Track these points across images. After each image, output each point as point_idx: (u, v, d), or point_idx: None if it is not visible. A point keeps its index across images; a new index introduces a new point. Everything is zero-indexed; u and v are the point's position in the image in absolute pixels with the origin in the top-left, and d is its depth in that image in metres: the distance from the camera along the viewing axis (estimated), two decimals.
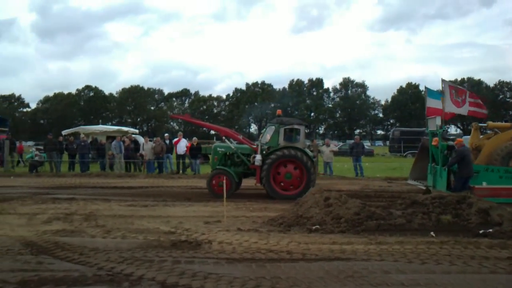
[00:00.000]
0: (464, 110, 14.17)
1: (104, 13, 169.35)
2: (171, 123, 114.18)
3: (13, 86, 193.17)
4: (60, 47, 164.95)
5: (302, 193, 13.49)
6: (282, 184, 14.32)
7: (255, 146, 15.02)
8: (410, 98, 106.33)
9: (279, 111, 16.18)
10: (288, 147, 14.44)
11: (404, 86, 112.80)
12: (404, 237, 8.44)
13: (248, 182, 16.21)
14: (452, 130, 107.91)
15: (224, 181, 11.31)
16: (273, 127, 15.01)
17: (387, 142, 65.89)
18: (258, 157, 14.44)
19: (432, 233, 8.67)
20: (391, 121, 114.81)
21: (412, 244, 7.94)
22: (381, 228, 8.89)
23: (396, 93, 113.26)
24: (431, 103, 14.41)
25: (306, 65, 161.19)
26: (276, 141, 14.71)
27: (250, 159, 14.79)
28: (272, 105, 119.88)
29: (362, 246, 7.77)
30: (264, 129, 15.77)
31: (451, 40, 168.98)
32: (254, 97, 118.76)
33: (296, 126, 15.02)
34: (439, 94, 13.98)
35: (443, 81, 13.90)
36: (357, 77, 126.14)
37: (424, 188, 14.48)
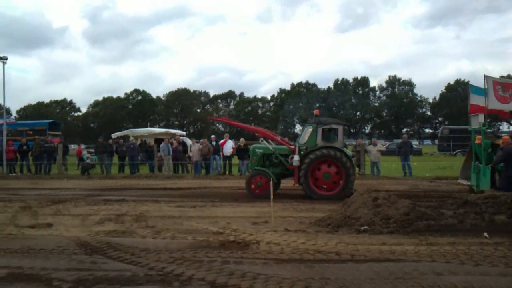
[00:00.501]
0: (511, 106, 13.61)
1: (152, 17, 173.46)
2: (217, 124, 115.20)
3: (65, 91, 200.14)
4: (110, 52, 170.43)
5: (341, 193, 13.68)
6: (322, 185, 14.20)
7: (293, 147, 14.96)
8: (459, 95, 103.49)
9: (316, 111, 16.10)
10: (326, 147, 14.32)
11: (452, 83, 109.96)
12: (456, 238, 8.20)
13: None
14: (505, 127, 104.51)
15: (271, 182, 11.33)
16: (311, 127, 14.94)
17: (436, 141, 64.28)
18: (296, 157, 14.39)
19: (485, 233, 8.40)
20: (440, 119, 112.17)
21: (465, 245, 7.72)
22: (432, 229, 8.68)
23: (444, 90, 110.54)
24: (474, 99, 13.95)
25: (352, 64, 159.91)
26: (314, 141, 14.63)
27: (288, 159, 14.74)
28: (317, 104, 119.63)
29: (412, 247, 7.62)
30: (302, 129, 15.65)
31: (503, 34, 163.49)
32: (299, 97, 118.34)
33: (334, 126, 14.83)
34: (482, 91, 13.47)
35: (486, 77, 13.40)
36: (404, 75, 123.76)
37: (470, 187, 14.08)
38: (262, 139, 15.68)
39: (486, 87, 13.31)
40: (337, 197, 13.57)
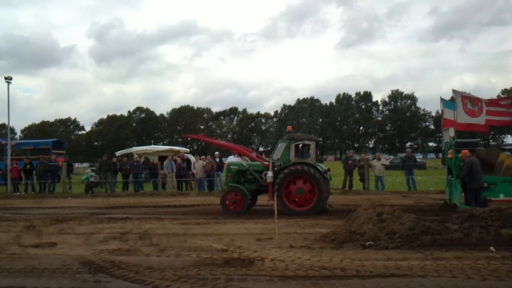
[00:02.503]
0: (481, 120, 13.64)
1: (158, 35, 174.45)
2: (221, 140, 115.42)
3: (71, 110, 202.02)
4: (115, 71, 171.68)
5: (314, 208, 13.95)
6: (294, 199, 14.27)
7: (267, 163, 15.03)
8: None
9: (289, 127, 16.23)
10: (299, 163, 14.39)
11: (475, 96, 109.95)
12: (462, 252, 8.14)
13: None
14: (509, 140, 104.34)
15: (275, 199, 11.30)
16: (284, 143, 15.00)
17: (440, 154, 64.15)
18: (270, 173, 14.43)
19: (492, 247, 8.33)
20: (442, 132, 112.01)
21: (471, 259, 7.65)
22: (437, 243, 8.62)
23: None
24: (447, 114, 13.99)
25: (356, 79, 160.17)
26: (287, 157, 14.70)
27: (262, 175, 14.79)
28: (320, 120, 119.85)
29: (418, 262, 7.56)
30: (276, 146, 15.74)
31: (507, 46, 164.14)
32: (302, 112, 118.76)
33: (306, 142, 14.93)
34: (454, 105, 13.51)
35: (454, 91, 13.47)
36: (407, 89, 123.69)
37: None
38: (237, 155, 15.83)
39: (455, 101, 13.37)
40: (310, 212, 13.87)
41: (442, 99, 14.74)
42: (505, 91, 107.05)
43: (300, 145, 14.88)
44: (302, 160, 14.57)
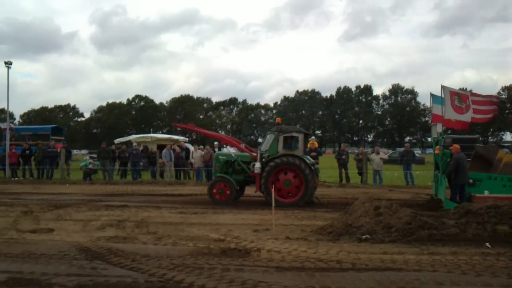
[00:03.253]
0: (467, 117, 13.65)
1: (161, 24, 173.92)
2: (220, 131, 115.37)
3: (70, 96, 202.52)
4: (117, 58, 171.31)
5: (300, 200, 14.09)
6: (280, 191, 14.31)
7: (255, 154, 15.10)
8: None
9: (278, 119, 16.43)
10: (286, 155, 14.48)
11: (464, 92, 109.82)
12: (458, 248, 8.17)
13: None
14: (508, 137, 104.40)
15: (273, 190, 11.30)
16: (273, 135, 15.12)
17: None
18: (258, 164, 14.54)
19: (487, 244, 8.37)
20: (444, 127, 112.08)
21: (466, 255, 7.69)
22: (433, 238, 8.66)
23: None
24: (436, 109, 13.96)
25: (358, 72, 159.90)
26: (275, 149, 14.82)
27: (250, 167, 14.85)
28: (320, 112, 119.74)
29: (413, 256, 7.59)
30: (264, 137, 15.83)
31: (510, 43, 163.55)
32: (302, 105, 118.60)
33: (295, 134, 15.04)
34: (442, 100, 13.48)
35: (443, 87, 13.42)
36: (408, 84, 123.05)
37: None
38: (225, 145, 15.91)
39: (443, 97, 13.33)
40: (297, 204, 14.00)
41: (432, 95, 14.71)
42: (505, 88, 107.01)
43: (289, 137, 14.96)
44: (290, 152, 14.64)
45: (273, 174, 14.34)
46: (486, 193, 12.43)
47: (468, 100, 13.50)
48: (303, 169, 14.19)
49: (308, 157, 15.61)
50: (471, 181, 12.92)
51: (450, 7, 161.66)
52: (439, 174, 13.47)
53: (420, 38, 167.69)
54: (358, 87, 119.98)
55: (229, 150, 16.01)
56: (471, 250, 8.00)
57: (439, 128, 13.36)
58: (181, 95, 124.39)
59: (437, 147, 13.77)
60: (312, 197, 14.97)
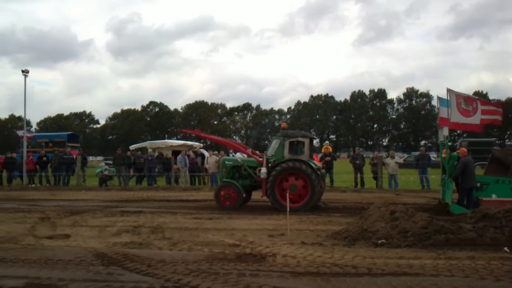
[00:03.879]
0: (476, 119, 13.49)
1: (175, 30, 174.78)
2: (234, 137, 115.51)
3: (86, 103, 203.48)
4: (132, 65, 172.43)
5: (307, 205, 14.03)
6: (289, 196, 14.25)
7: (261, 159, 15.08)
8: None
9: (283, 124, 16.52)
10: (292, 160, 14.48)
11: (472, 94, 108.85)
12: (475, 252, 8.06)
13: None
14: None
15: (287, 194, 11.28)
16: (278, 140, 15.14)
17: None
18: (264, 169, 14.55)
19: (506, 248, 8.25)
20: (458, 131, 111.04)
21: (484, 259, 7.58)
22: (450, 243, 8.56)
23: None
24: (443, 113, 13.82)
25: (373, 76, 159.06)
26: (281, 154, 14.81)
27: (257, 171, 14.87)
28: (334, 117, 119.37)
29: (430, 261, 7.51)
30: (270, 142, 15.84)
31: None
32: (316, 109, 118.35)
33: (300, 139, 15.00)
34: (448, 104, 13.34)
35: (449, 90, 13.29)
36: (424, 87, 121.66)
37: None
38: (232, 150, 15.98)
39: (449, 100, 13.21)
40: (303, 209, 13.93)
41: (439, 98, 14.59)
42: None
43: (294, 142, 14.94)
44: (296, 157, 14.64)
45: (279, 179, 14.36)
46: (493, 196, 12.31)
47: (476, 102, 13.39)
48: (309, 173, 14.17)
49: (315, 161, 15.62)
50: (478, 184, 12.79)
51: (466, 10, 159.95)
52: (446, 177, 13.36)
53: (435, 41, 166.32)
54: (372, 91, 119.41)
55: (238, 155, 16.05)
56: (489, 255, 7.88)
57: (445, 131, 13.25)
58: (196, 101, 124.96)
59: (444, 150, 13.66)
60: (319, 202, 14.94)
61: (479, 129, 14.24)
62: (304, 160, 14.46)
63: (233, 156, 16.17)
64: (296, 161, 14.41)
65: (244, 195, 15.35)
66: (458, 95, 13.37)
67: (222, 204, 14.72)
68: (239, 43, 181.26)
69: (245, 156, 16.34)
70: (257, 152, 16.72)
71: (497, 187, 12.62)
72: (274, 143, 15.24)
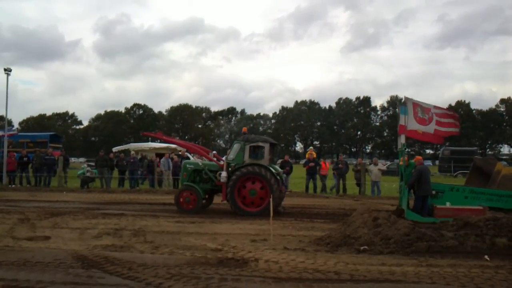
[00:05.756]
0: (430, 128, 13.68)
1: (164, 32, 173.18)
2: (218, 140, 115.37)
3: (71, 104, 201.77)
4: (119, 67, 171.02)
5: (265, 209, 13.96)
6: (245, 199, 14.50)
7: (222, 163, 15.15)
8: (461, 116, 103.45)
9: (244, 129, 16.67)
10: (252, 164, 14.60)
11: (453, 104, 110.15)
12: (456, 260, 8.14)
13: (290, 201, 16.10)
14: (506, 149, 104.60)
15: (271, 200, 11.26)
16: (239, 144, 15.25)
17: (437, 162, 64.28)
18: (224, 174, 14.65)
19: (486, 256, 8.34)
20: None
21: (465, 267, 7.65)
22: (432, 250, 8.64)
23: None
24: (402, 120, 14.01)
25: (359, 83, 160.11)
26: (241, 158, 14.95)
27: (217, 175, 14.92)
28: (319, 123, 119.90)
29: (412, 268, 7.56)
30: (231, 147, 15.95)
31: (510, 56, 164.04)
32: (300, 115, 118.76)
33: (260, 144, 15.11)
34: (406, 111, 13.52)
35: (406, 99, 13.48)
36: (408, 95, 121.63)
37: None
38: (192, 154, 16.08)
39: (406, 108, 13.38)
40: (261, 213, 14.02)
41: (399, 105, 14.73)
42: (503, 101, 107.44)
43: (255, 147, 15.03)
44: (256, 161, 14.73)
45: (239, 183, 14.43)
46: (448, 204, 12.46)
47: (430, 112, 13.53)
48: (268, 178, 14.26)
49: (276, 166, 15.77)
50: (433, 192, 12.95)
51: (453, 20, 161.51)
52: (403, 184, 13.51)
53: (422, 50, 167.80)
54: (357, 98, 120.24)
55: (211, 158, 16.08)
56: (469, 263, 7.97)
57: (402, 139, 13.41)
58: (180, 104, 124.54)
59: (401, 158, 13.81)
60: (279, 207, 14.98)
61: (436, 140, 14.38)
62: (264, 165, 14.57)
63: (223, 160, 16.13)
64: (256, 166, 14.51)
65: (205, 199, 15.49)
66: (415, 104, 13.51)
67: (181, 207, 14.74)
68: (227, 46, 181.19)
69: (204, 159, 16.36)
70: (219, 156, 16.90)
71: (452, 194, 12.79)
72: (235, 148, 15.35)
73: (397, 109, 14.70)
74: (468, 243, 8.81)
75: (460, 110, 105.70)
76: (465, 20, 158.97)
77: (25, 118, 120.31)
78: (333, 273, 7.18)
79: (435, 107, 13.49)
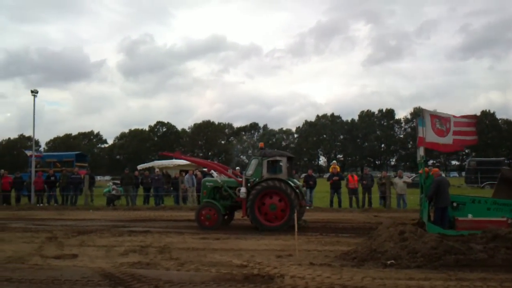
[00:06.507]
0: (448, 140, 13.46)
1: (187, 51, 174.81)
2: (241, 156, 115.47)
3: (96, 123, 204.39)
4: (143, 85, 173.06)
5: (286, 223, 14.03)
6: (267, 215, 14.46)
7: (241, 179, 15.13)
8: (487, 127, 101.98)
9: (261, 144, 16.65)
10: (271, 179, 14.60)
11: (478, 114, 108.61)
12: (487, 274, 7.95)
13: (314, 215, 16.00)
14: None
15: (295, 216, 11.22)
16: (257, 159, 15.31)
17: (463, 173, 63.25)
18: (243, 189, 14.61)
19: None
20: (467, 151, 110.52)
21: (496, 281, 7.47)
22: (461, 264, 8.46)
23: None
24: (420, 132, 13.83)
25: (382, 96, 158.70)
26: (259, 173, 14.97)
27: (236, 191, 14.93)
28: (341, 136, 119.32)
29: (441, 282, 7.42)
30: (249, 162, 16.00)
31: None
32: (323, 129, 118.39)
33: (278, 158, 15.18)
34: (424, 123, 13.33)
35: (423, 110, 13.30)
36: (432, 107, 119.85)
37: None
38: (212, 171, 16.23)
39: (424, 120, 13.20)
40: (282, 227, 14.02)
41: (418, 117, 14.58)
42: None
43: (272, 161, 15.10)
44: (275, 176, 14.75)
45: (258, 198, 14.43)
46: (469, 216, 12.24)
47: (449, 122, 13.37)
48: (288, 192, 14.24)
49: (295, 180, 15.77)
50: (455, 204, 12.72)
51: (476, 30, 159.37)
52: (423, 196, 13.32)
53: (445, 61, 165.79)
54: (380, 110, 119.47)
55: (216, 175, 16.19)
56: (501, 276, 7.78)
57: (421, 151, 13.29)
58: (203, 121, 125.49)
59: (421, 170, 13.66)
60: (300, 220, 14.85)
61: (456, 148, 14.20)
62: (282, 179, 14.57)
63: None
64: (274, 180, 14.53)
65: (225, 216, 15.57)
66: (432, 115, 13.40)
67: (202, 224, 14.79)
68: (249, 63, 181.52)
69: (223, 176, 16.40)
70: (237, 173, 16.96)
71: (474, 206, 12.56)
72: (253, 163, 15.42)
73: (500, 121, 14.56)
74: (499, 256, 8.61)
75: (486, 120, 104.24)
76: (489, 30, 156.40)
77: (51, 138, 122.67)
78: None
79: (454, 116, 13.37)
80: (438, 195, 12.47)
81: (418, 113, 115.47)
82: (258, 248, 11.02)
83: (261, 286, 7.31)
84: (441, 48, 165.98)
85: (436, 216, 12.42)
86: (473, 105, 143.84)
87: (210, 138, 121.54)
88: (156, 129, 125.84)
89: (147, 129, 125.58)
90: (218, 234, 13.25)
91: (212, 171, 16.76)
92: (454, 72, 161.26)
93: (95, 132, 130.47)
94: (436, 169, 13.68)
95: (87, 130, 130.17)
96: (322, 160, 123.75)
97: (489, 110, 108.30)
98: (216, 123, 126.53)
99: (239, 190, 14.79)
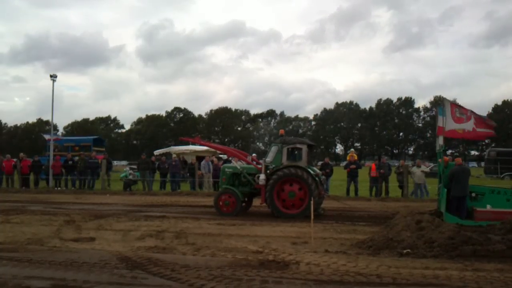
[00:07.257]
0: (469, 126, 13.26)
1: (206, 36, 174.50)
2: (258, 143, 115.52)
3: (114, 108, 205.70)
4: (161, 71, 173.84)
5: (304, 212, 13.93)
6: (285, 202, 14.44)
7: (260, 166, 15.10)
8: (507, 116, 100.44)
9: (281, 131, 16.52)
10: (290, 166, 14.54)
11: (499, 103, 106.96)
12: (504, 265, 7.86)
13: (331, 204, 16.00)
14: None
15: (311, 203, 11.21)
16: (276, 146, 15.26)
17: (482, 163, 62.53)
18: (262, 176, 14.58)
19: None
20: (486, 141, 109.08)
21: None
22: (478, 254, 8.39)
23: (491, 111, 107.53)
24: (440, 122, 13.63)
25: (401, 84, 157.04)
26: (279, 160, 14.94)
27: (255, 178, 14.89)
28: (359, 125, 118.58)
29: (457, 272, 7.37)
30: (269, 149, 15.93)
31: None
32: (341, 117, 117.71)
33: (298, 145, 15.12)
34: (444, 112, 13.14)
35: (443, 99, 13.12)
36: (453, 95, 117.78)
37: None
38: (231, 158, 16.18)
39: (444, 109, 13.02)
40: (301, 215, 13.97)
41: (437, 107, 14.42)
42: None
43: (292, 149, 15.06)
44: (294, 163, 14.70)
45: (277, 185, 14.41)
46: (488, 207, 12.08)
47: (469, 112, 13.22)
48: (307, 180, 14.19)
49: (314, 168, 15.74)
50: (473, 194, 12.56)
51: (502, 17, 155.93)
52: (441, 186, 13.18)
53: (468, 48, 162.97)
54: (399, 99, 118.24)
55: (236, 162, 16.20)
56: None
57: (440, 140, 13.14)
58: (219, 107, 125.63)
59: (440, 159, 13.51)
60: (318, 209, 14.86)
61: (476, 137, 14.04)
62: (302, 167, 14.52)
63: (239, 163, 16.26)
64: (294, 168, 14.48)
65: (244, 202, 15.55)
66: (452, 104, 13.28)
67: (221, 210, 14.85)
68: (268, 49, 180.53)
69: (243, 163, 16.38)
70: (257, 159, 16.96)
71: (493, 197, 12.43)
72: (273, 150, 15.36)
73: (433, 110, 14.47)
74: None
75: (507, 110, 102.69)
76: None
77: (69, 122, 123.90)
78: (375, 276, 7.07)
79: (473, 112, 13.25)
80: (454, 185, 12.34)
81: (438, 102, 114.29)
82: (274, 235, 11.04)
83: (276, 272, 7.33)
84: (464, 36, 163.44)
85: (451, 205, 12.30)
86: (495, 94, 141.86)
87: (226, 125, 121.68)
88: (173, 115, 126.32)
89: (164, 114, 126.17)
90: (233, 220, 13.32)
91: (231, 158, 16.80)
92: (477, 60, 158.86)
93: (112, 117, 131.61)
94: (458, 158, 13.48)
95: (104, 115, 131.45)
96: (339, 148, 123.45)
97: (510, 100, 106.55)
98: (233, 109, 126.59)
99: (258, 177, 14.79)
